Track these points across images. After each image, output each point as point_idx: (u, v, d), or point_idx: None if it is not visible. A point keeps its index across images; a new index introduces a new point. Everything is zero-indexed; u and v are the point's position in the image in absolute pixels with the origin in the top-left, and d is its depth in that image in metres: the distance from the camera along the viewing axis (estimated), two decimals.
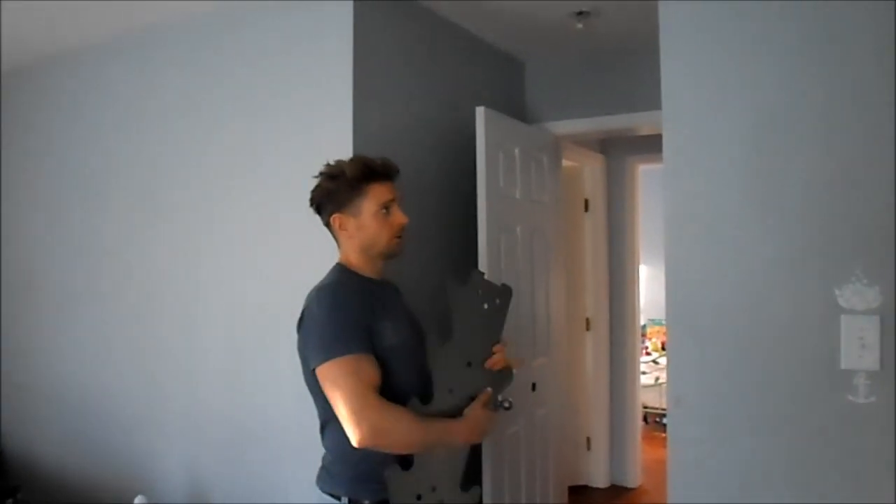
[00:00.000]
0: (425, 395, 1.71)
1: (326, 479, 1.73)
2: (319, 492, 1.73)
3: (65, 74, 3.36)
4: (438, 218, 2.91)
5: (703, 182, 1.90)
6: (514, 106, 3.52)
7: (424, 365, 1.77)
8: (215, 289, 2.85)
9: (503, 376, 1.83)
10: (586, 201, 4.59)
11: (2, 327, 3.57)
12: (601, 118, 3.45)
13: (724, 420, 1.84)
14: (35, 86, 3.48)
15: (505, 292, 1.84)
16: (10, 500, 2.81)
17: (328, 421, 1.70)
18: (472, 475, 1.84)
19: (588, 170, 4.56)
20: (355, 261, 1.79)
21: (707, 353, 1.87)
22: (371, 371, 1.61)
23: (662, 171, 1.94)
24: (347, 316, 1.64)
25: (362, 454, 1.61)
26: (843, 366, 1.69)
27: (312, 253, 2.56)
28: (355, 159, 1.80)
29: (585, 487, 4.58)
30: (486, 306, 1.79)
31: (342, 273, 1.77)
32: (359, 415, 1.56)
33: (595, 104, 3.45)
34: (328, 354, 1.61)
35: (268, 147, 2.70)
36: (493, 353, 1.80)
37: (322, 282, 1.76)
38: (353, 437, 1.57)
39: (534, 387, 3.16)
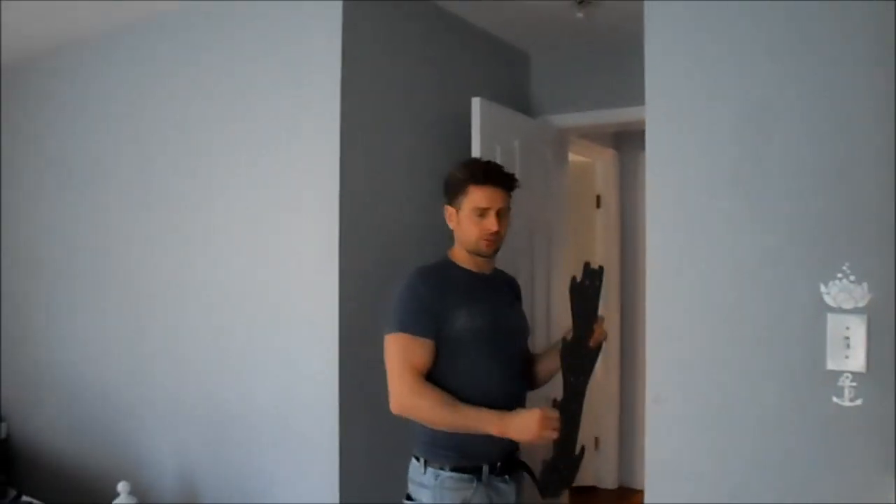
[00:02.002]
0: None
1: (413, 441, 1.95)
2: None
3: (62, 67, 3.41)
4: (435, 212, 2.86)
5: (686, 176, 1.83)
6: (520, 99, 3.45)
7: (503, 351, 1.96)
8: (202, 275, 2.85)
9: (596, 353, 2.00)
10: (598, 197, 4.51)
11: (2, 314, 3.64)
12: (607, 111, 3.36)
13: (704, 420, 1.77)
14: (34, 78, 3.54)
15: (596, 273, 1.98)
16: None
17: None
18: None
19: (600, 165, 4.49)
20: (458, 251, 2.01)
21: (688, 349, 1.80)
22: (419, 353, 1.84)
23: (646, 165, 1.88)
24: (419, 300, 1.87)
25: None
26: (828, 366, 1.62)
27: (295, 241, 2.57)
28: (470, 161, 2.06)
29: (594, 488, 4.52)
30: (587, 290, 1.97)
31: (441, 261, 2.02)
32: (392, 388, 1.84)
33: (601, 97, 3.37)
34: (391, 328, 1.87)
35: (255, 138, 2.69)
36: (594, 331, 1.97)
37: (423, 264, 2.00)
38: (390, 405, 1.85)
39: None
